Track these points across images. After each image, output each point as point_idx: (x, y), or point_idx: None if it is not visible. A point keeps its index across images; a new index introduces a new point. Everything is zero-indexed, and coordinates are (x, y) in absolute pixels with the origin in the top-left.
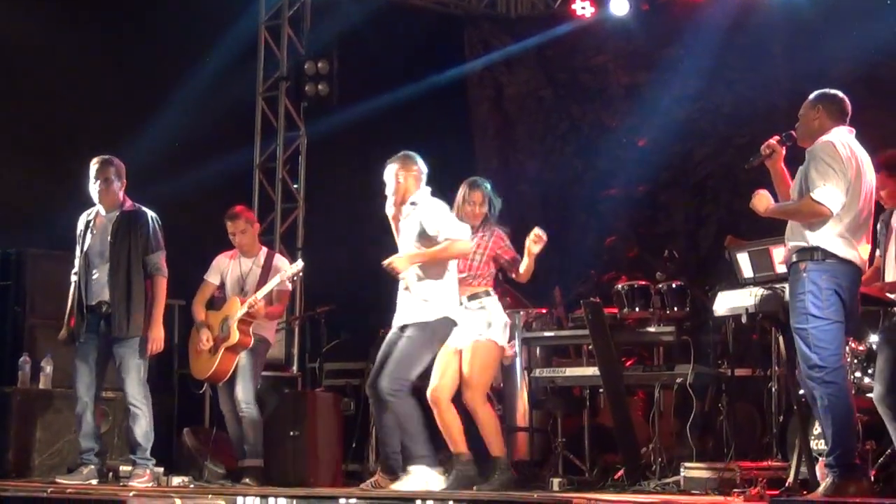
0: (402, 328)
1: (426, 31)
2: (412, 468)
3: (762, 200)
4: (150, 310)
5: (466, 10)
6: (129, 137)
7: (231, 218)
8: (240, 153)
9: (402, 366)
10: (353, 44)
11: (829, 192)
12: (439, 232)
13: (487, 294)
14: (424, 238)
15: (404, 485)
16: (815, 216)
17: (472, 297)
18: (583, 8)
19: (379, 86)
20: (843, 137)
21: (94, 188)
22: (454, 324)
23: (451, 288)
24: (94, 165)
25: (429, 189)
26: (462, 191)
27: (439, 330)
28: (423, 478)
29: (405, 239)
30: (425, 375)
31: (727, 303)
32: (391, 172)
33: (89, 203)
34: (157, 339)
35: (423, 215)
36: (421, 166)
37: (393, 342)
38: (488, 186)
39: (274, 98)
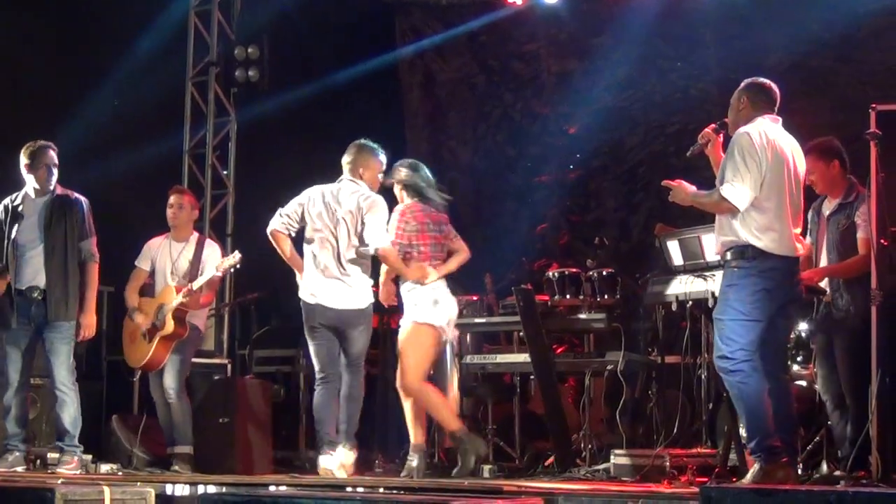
0: None
1: (357, 17)
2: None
3: (678, 193)
4: (83, 296)
5: None
6: (58, 123)
7: (178, 191)
8: (169, 139)
9: None
10: (283, 29)
11: (736, 190)
12: None
13: None
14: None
15: None
16: (724, 211)
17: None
18: None
19: (309, 72)
20: (762, 126)
21: (34, 173)
22: None
23: None
24: (37, 150)
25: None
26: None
27: None
28: None
29: None
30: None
31: (657, 290)
32: None
33: (11, 190)
34: (90, 325)
35: None
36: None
37: None
38: None
39: (204, 83)
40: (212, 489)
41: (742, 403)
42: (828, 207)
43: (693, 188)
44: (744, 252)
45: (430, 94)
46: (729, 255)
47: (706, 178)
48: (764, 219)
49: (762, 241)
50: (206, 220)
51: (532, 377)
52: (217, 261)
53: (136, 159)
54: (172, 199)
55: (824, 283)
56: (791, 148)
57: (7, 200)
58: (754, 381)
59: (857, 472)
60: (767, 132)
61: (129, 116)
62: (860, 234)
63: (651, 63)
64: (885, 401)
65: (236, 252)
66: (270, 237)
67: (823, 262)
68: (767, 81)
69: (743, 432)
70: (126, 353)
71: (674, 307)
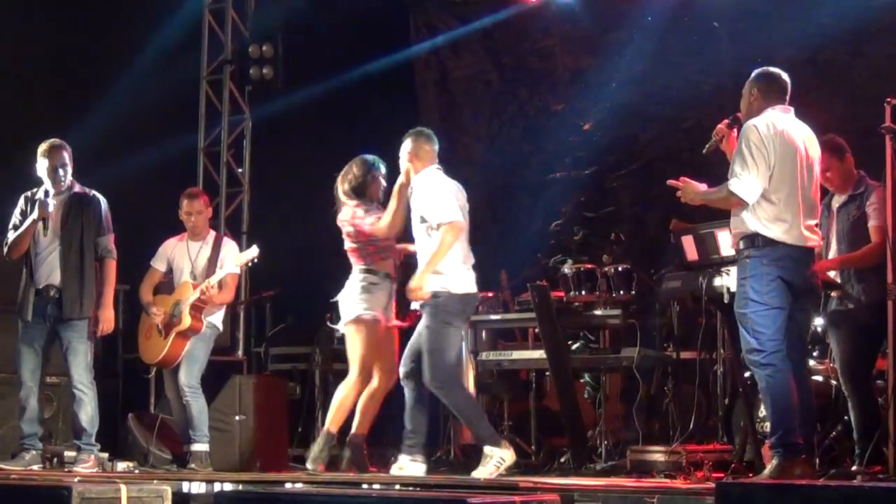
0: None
1: (371, 15)
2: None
3: (687, 192)
4: (100, 291)
5: None
6: (72, 121)
7: (190, 196)
8: (184, 137)
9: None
10: (297, 27)
11: (744, 183)
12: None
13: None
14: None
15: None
16: (734, 206)
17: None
18: None
19: (324, 69)
20: (770, 118)
21: (50, 172)
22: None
23: None
24: (50, 149)
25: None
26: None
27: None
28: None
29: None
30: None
31: (673, 286)
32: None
33: (23, 188)
34: (108, 319)
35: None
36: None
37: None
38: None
39: (218, 81)
40: (228, 487)
41: (770, 397)
42: (837, 200)
43: (702, 186)
44: (754, 240)
45: (445, 90)
46: (741, 245)
47: (722, 172)
48: (774, 210)
49: (772, 231)
50: (221, 218)
51: (547, 373)
52: (235, 257)
53: (151, 157)
54: (187, 205)
55: (834, 275)
56: (804, 138)
57: (29, 193)
58: (784, 375)
59: (873, 466)
60: (776, 123)
61: (144, 115)
62: (872, 223)
63: (665, 58)
64: None
65: (254, 247)
66: None
67: (833, 254)
68: (777, 71)
69: (760, 426)
70: (142, 350)
71: (689, 303)
